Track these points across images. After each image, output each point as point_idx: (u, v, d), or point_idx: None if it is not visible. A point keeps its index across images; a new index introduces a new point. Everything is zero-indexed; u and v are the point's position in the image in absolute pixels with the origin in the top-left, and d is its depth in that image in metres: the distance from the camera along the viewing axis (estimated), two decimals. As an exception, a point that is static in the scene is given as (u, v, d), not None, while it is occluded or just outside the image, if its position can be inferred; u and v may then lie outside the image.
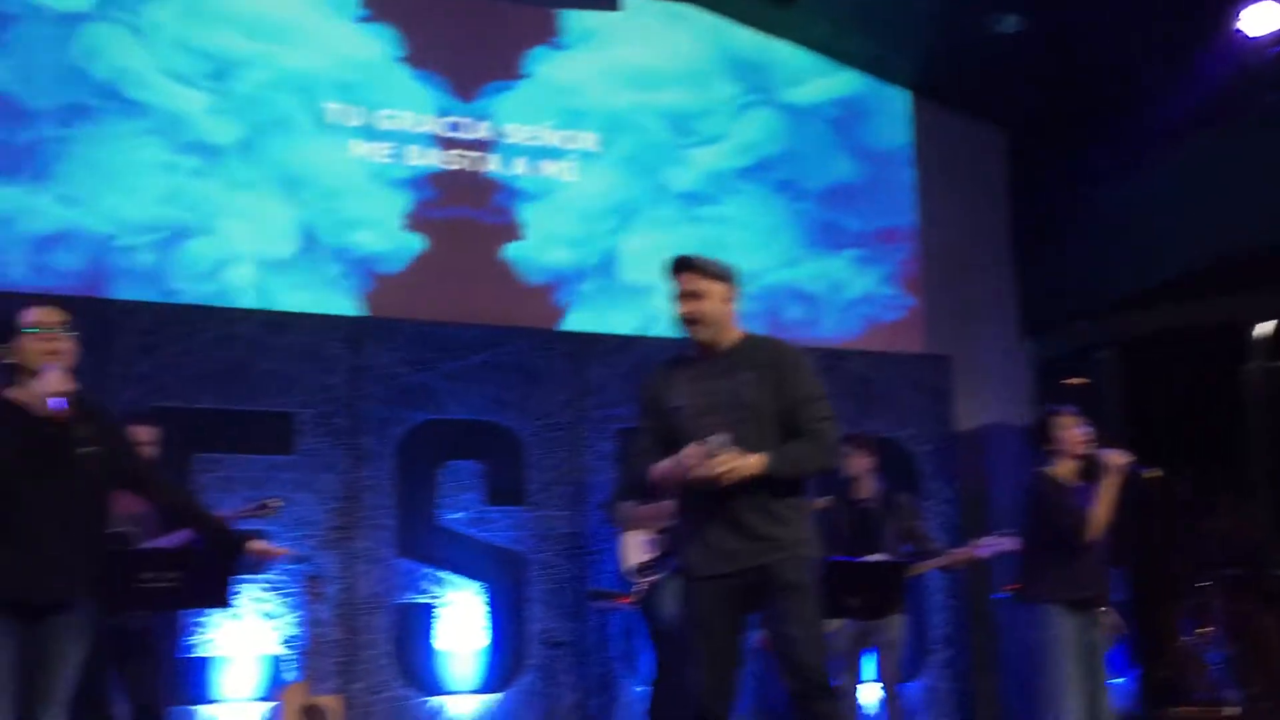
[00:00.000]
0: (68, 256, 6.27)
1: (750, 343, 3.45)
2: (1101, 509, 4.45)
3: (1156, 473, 4.52)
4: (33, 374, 3.26)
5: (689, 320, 3.38)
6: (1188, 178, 6.82)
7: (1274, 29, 6.36)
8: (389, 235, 6.88)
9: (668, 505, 5.35)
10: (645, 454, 3.41)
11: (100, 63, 6.48)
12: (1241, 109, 6.58)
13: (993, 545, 5.42)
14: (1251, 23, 6.45)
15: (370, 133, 6.93)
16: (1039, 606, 4.52)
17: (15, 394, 3.30)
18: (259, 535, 5.31)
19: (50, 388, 3.19)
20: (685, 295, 3.38)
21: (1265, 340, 6.54)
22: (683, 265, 3.41)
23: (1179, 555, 6.47)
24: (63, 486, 3.24)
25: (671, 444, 3.32)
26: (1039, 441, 4.67)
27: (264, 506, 5.01)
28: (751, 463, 3.21)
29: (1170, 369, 6.94)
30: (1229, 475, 6.49)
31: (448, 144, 7.08)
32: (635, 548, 5.46)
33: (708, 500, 3.28)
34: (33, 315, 3.35)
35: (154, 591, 3.97)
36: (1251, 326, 6.55)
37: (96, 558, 3.32)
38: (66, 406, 3.19)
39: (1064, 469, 4.64)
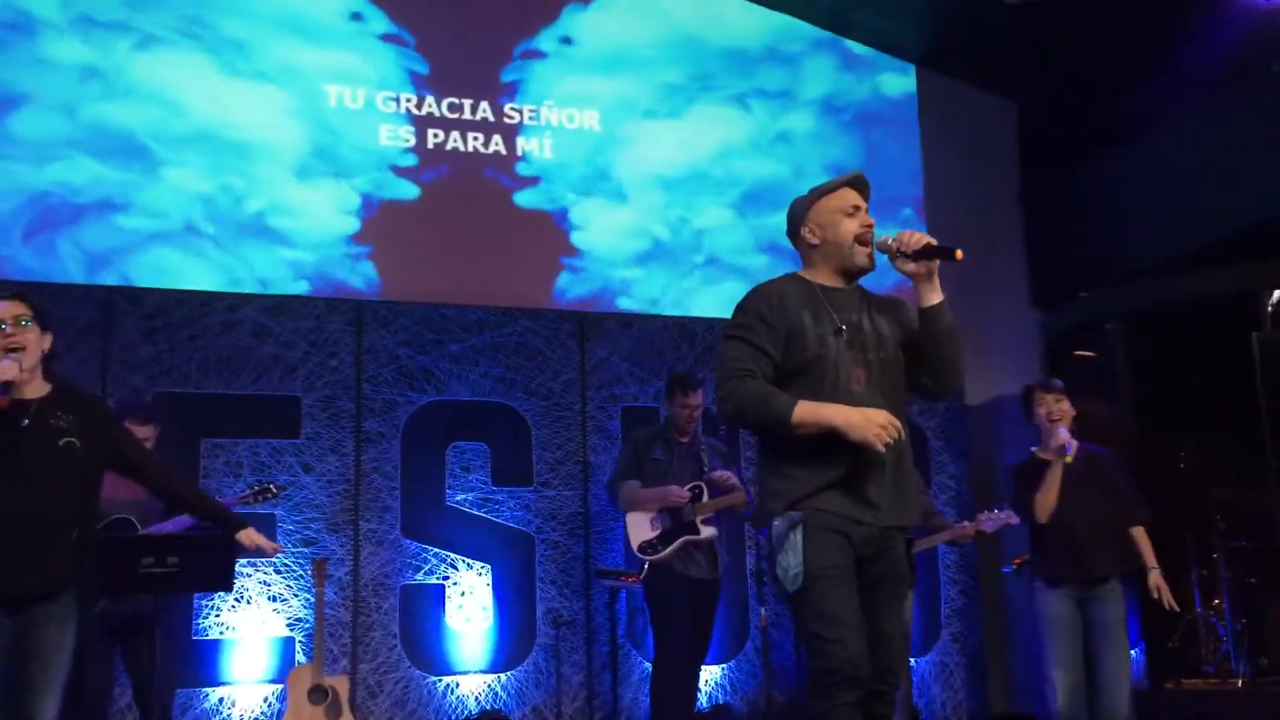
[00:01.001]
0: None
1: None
2: (1042, 493, 4.45)
3: (1068, 458, 4.45)
4: None
5: (869, 241, 3.11)
6: (1196, 147, 6.74)
7: (1282, -6, 6.26)
8: (389, 217, 6.88)
9: (668, 491, 5.39)
10: (764, 378, 3.01)
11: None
12: (1249, 78, 6.48)
13: (997, 519, 5.39)
14: (1261, -12, 6.35)
15: (373, 114, 6.92)
16: (1030, 585, 4.58)
17: None
18: (257, 524, 5.41)
19: None
20: (866, 212, 3.15)
21: (1271, 309, 6.49)
22: (867, 185, 3.20)
23: (1188, 528, 6.41)
24: (36, 477, 3.26)
25: (793, 378, 3.01)
26: (1027, 418, 4.68)
27: (265, 491, 5.03)
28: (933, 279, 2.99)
29: (1179, 340, 6.87)
30: (1238, 447, 6.43)
31: (450, 124, 7.06)
32: (640, 526, 5.46)
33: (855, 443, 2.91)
34: None
35: (154, 576, 3.98)
36: (1260, 297, 6.48)
37: (79, 546, 3.32)
38: (4, 394, 3.20)
39: (1047, 446, 4.63)
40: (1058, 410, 4.60)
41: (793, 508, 2.97)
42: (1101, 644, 4.45)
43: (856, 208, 3.13)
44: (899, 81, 8.08)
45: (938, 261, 3.01)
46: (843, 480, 2.96)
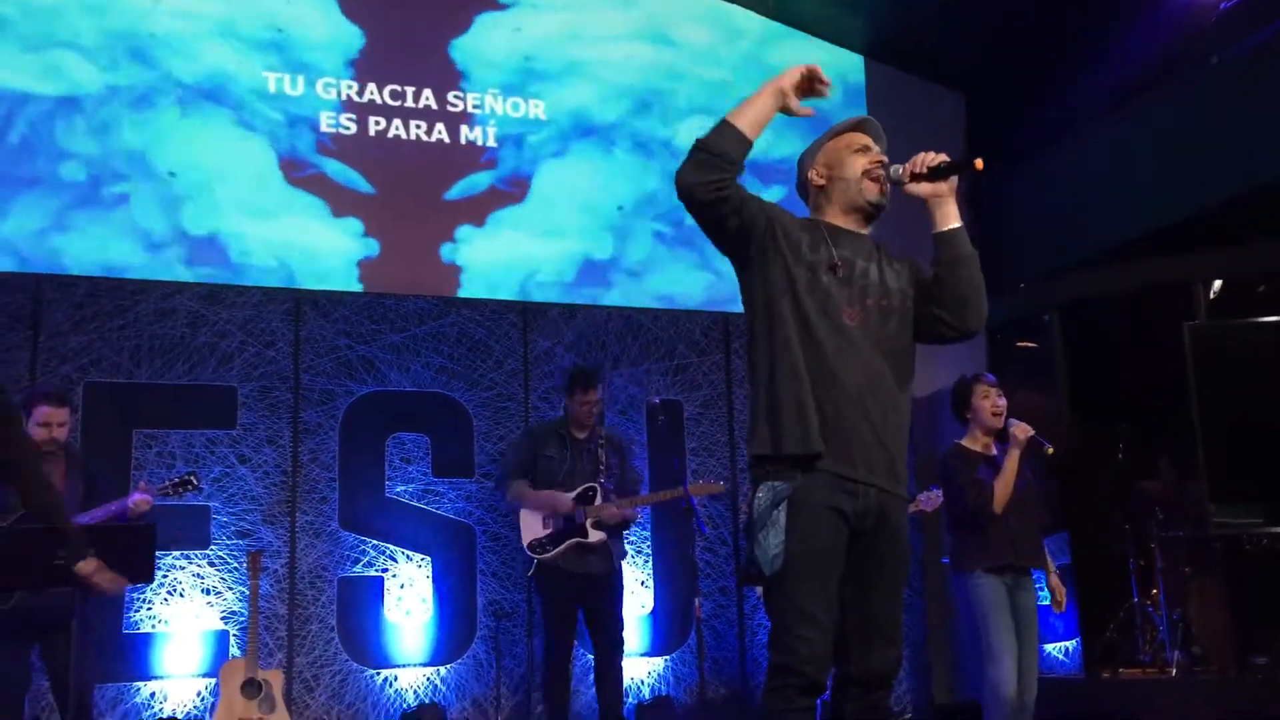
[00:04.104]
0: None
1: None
2: (1004, 482, 4.48)
3: (1050, 449, 4.51)
4: None
5: (879, 178, 2.86)
6: (1134, 140, 6.78)
7: (1220, -13, 6.30)
8: (329, 204, 6.78)
9: (555, 498, 5.35)
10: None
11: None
12: (1188, 70, 6.52)
13: (934, 500, 5.39)
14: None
15: (313, 101, 6.82)
16: (966, 575, 4.56)
17: None
18: (189, 516, 5.31)
19: None
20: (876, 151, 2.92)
21: (1211, 299, 6.55)
22: (878, 129, 2.98)
23: (1123, 518, 6.45)
24: None
25: (778, 290, 2.75)
26: (957, 410, 4.69)
27: (185, 483, 4.95)
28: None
29: (1115, 331, 6.91)
30: (1171, 437, 6.48)
31: (395, 112, 6.97)
32: (532, 524, 5.44)
33: (842, 374, 2.68)
34: None
35: (69, 569, 3.90)
36: (1194, 287, 6.53)
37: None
38: None
39: (979, 439, 4.67)
40: (1001, 404, 4.63)
41: (780, 477, 2.65)
42: (1026, 632, 4.51)
43: (866, 147, 2.91)
44: (847, 72, 8.06)
45: (955, 180, 2.79)
46: (840, 439, 2.65)
